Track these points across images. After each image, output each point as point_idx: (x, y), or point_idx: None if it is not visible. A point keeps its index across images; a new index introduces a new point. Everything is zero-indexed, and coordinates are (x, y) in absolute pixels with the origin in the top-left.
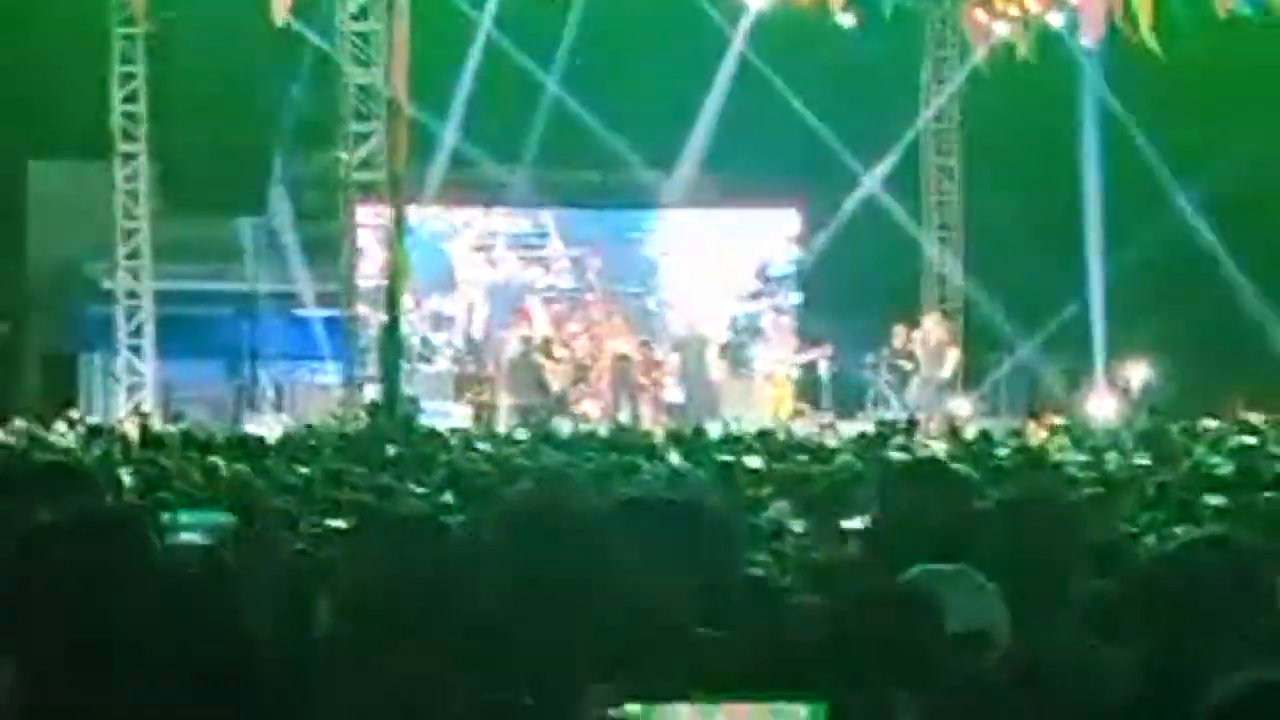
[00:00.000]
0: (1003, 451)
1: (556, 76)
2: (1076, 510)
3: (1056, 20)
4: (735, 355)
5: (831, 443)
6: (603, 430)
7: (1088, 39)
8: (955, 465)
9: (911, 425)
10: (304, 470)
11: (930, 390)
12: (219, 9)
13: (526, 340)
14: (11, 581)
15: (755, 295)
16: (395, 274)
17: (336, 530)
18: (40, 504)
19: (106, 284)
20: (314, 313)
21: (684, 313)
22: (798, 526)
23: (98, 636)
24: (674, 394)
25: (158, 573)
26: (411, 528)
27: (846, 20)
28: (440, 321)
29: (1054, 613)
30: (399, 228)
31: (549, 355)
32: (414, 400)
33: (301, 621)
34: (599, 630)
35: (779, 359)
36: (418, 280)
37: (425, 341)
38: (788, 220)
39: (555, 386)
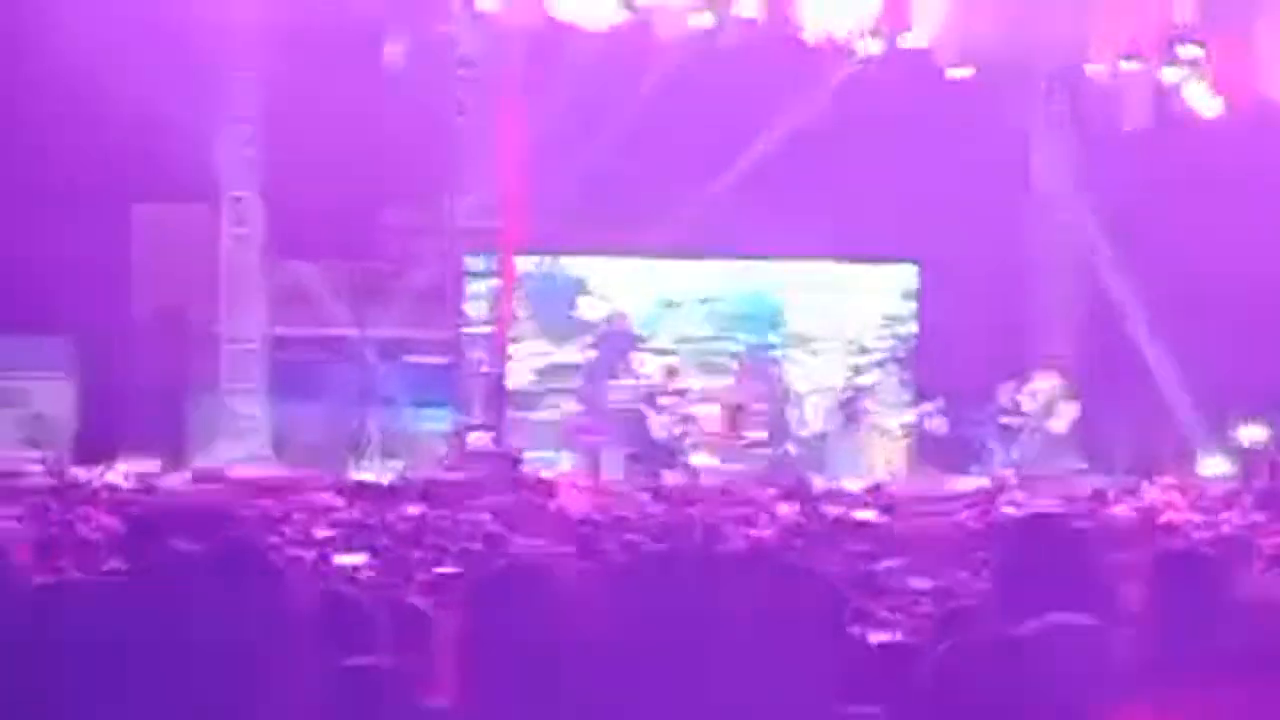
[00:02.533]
0: (1118, 509)
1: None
2: (1213, 564)
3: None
4: (848, 409)
5: (943, 497)
6: (713, 481)
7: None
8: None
9: (1024, 481)
10: (414, 514)
11: (1040, 446)
12: (333, 53)
13: (636, 390)
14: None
15: (868, 349)
16: (504, 321)
17: (447, 576)
18: (182, 540)
19: (216, 329)
20: (424, 359)
21: (799, 365)
22: (918, 582)
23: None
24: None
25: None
26: (520, 575)
27: (956, 73)
28: (550, 370)
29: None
30: (509, 275)
31: (657, 406)
32: (520, 450)
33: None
34: (710, 684)
35: (891, 414)
36: (527, 328)
37: (533, 389)
38: (905, 275)
39: (663, 436)
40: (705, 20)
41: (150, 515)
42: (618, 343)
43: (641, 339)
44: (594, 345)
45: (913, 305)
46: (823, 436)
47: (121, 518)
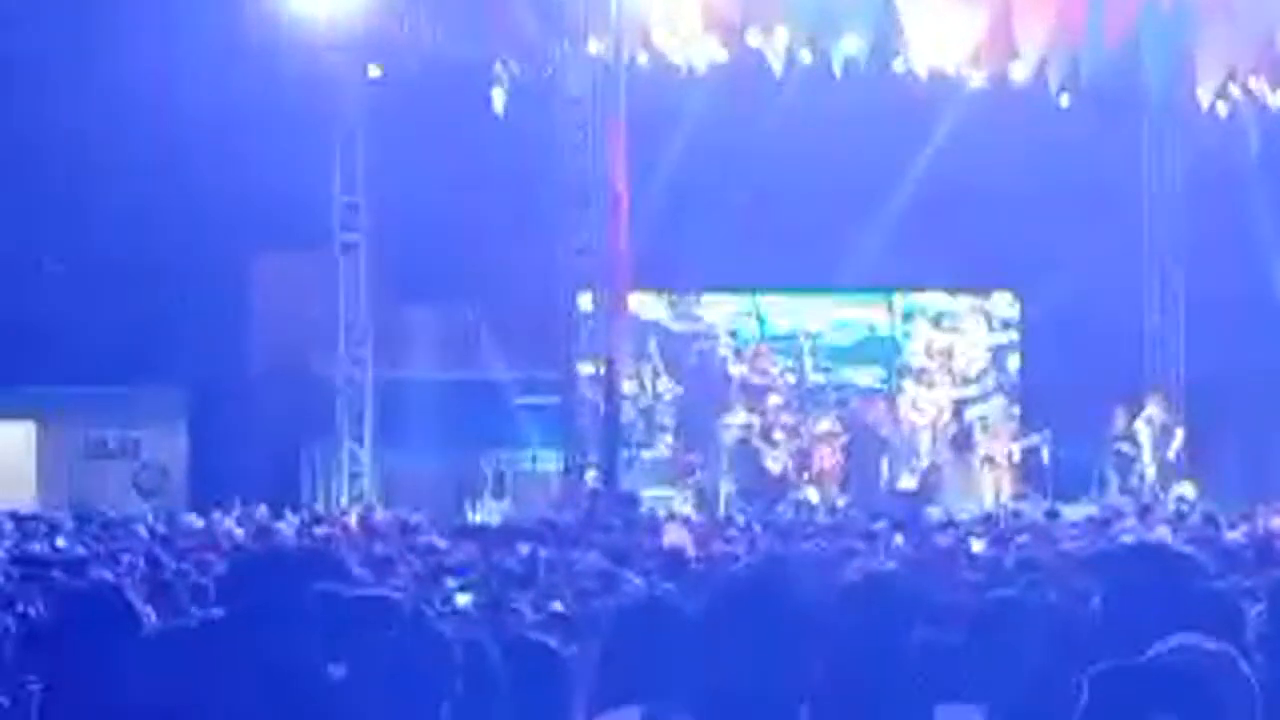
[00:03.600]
0: (1233, 535)
1: (768, 164)
2: None
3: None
4: (958, 440)
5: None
6: (823, 515)
7: None
8: (1182, 548)
9: (1144, 510)
10: (525, 555)
11: (1154, 474)
12: (438, 97)
13: (748, 426)
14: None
15: (974, 380)
16: (612, 360)
17: (559, 615)
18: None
19: (328, 373)
20: (534, 400)
21: (910, 397)
22: None
23: None
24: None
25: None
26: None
27: (1062, 101)
28: (659, 408)
29: None
30: (618, 314)
31: (769, 440)
32: (634, 493)
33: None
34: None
35: (1000, 444)
36: (638, 366)
37: (644, 427)
38: (1006, 304)
39: (776, 471)
40: (808, 57)
41: (258, 560)
42: (712, 378)
43: (754, 372)
44: (688, 381)
45: (1017, 334)
46: (935, 468)
47: (231, 563)
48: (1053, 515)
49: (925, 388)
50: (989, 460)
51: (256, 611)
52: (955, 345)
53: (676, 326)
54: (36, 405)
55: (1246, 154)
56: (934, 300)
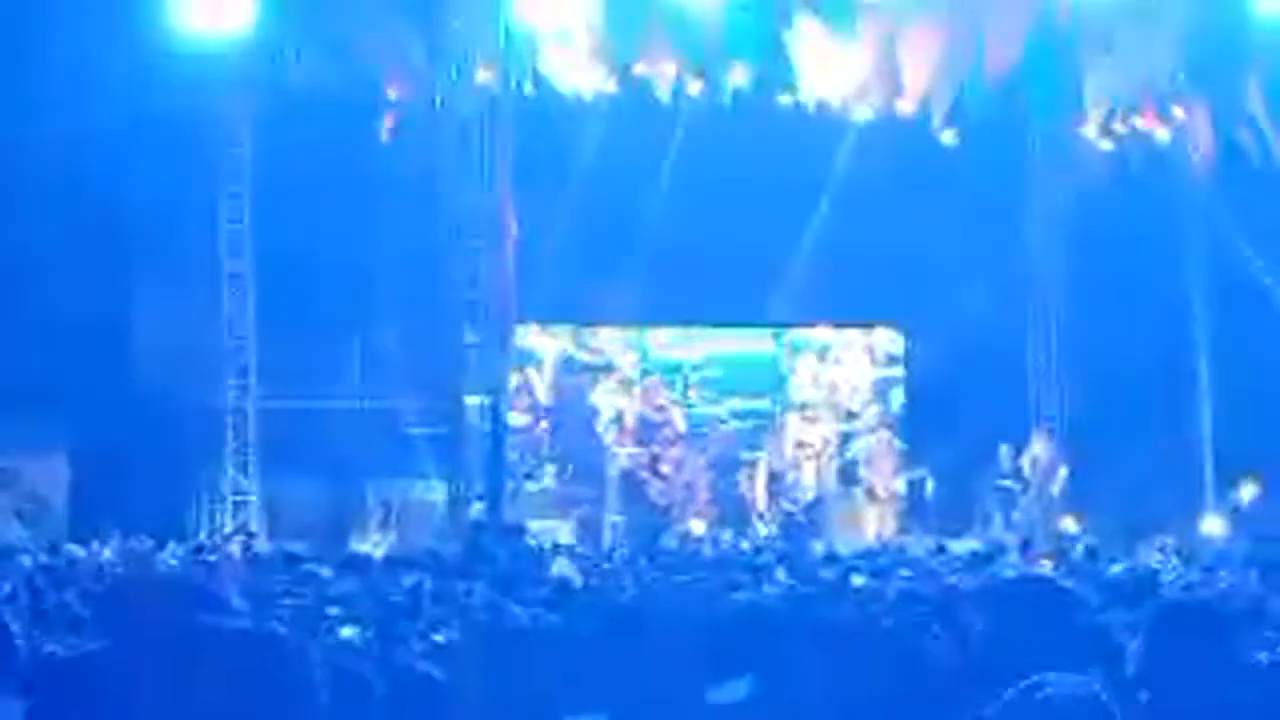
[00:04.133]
0: (1115, 569)
1: (656, 196)
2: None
3: (1165, 136)
4: (843, 474)
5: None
6: (708, 548)
7: (1197, 155)
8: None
9: (1025, 545)
10: (410, 586)
11: (1038, 509)
12: (320, 127)
13: (633, 456)
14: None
15: (858, 414)
16: (498, 392)
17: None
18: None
19: (214, 402)
20: (419, 430)
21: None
22: None
23: None
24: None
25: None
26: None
27: (946, 136)
28: (545, 440)
29: None
30: (504, 346)
31: (656, 472)
32: (520, 523)
33: None
34: None
35: (884, 478)
36: (520, 399)
37: (528, 459)
38: (890, 339)
39: (661, 502)
40: (697, 88)
41: (137, 590)
42: (581, 410)
43: (645, 405)
44: (574, 414)
45: (901, 369)
46: (818, 501)
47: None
48: (939, 550)
49: (809, 422)
50: (872, 494)
51: (133, 642)
52: (839, 379)
53: (575, 357)
54: None
55: (1131, 190)
56: (819, 335)
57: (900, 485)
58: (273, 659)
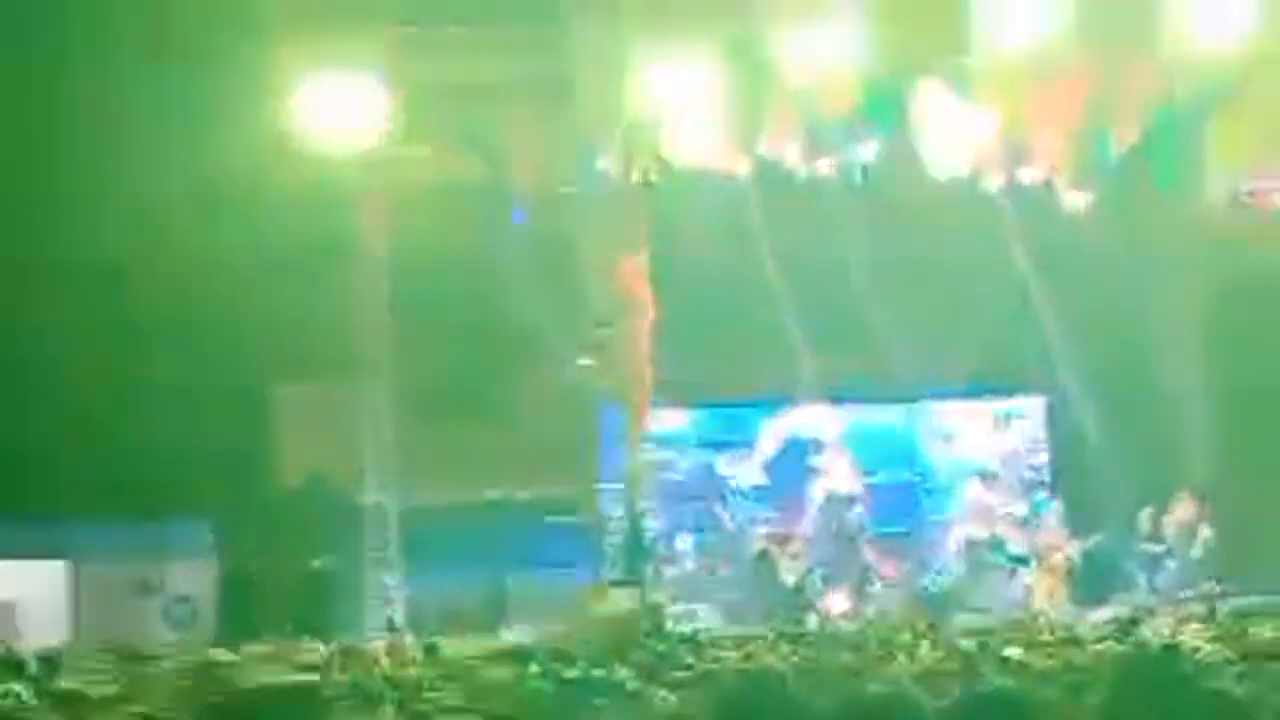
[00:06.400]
0: (1260, 633)
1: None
2: None
3: None
4: (985, 544)
5: (1084, 630)
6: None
7: None
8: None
9: (1172, 609)
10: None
11: (1181, 573)
12: (451, 217)
13: (769, 535)
14: None
15: (1005, 482)
16: (634, 478)
17: None
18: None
19: (356, 500)
20: (560, 518)
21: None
22: None
23: None
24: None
25: None
26: None
27: (1073, 201)
28: (682, 522)
29: None
30: (639, 430)
31: (787, 551)
32: (658, 605)
33: None
34: None
35: (1045, 546)
36: (665, 481)
37: (668, 543)
38: (1034, 408)
39: (790, 580)
40: (826, 166)
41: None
42: (716, 490)
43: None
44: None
45: (1045, 437)
46: (965, 571)
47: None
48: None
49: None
50: (1020, 562)
51: None
52: (983, 449)
53: (709, 437)
54: (66, 543)
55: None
56: (961, 407)
57: (1072, 552)
58: None
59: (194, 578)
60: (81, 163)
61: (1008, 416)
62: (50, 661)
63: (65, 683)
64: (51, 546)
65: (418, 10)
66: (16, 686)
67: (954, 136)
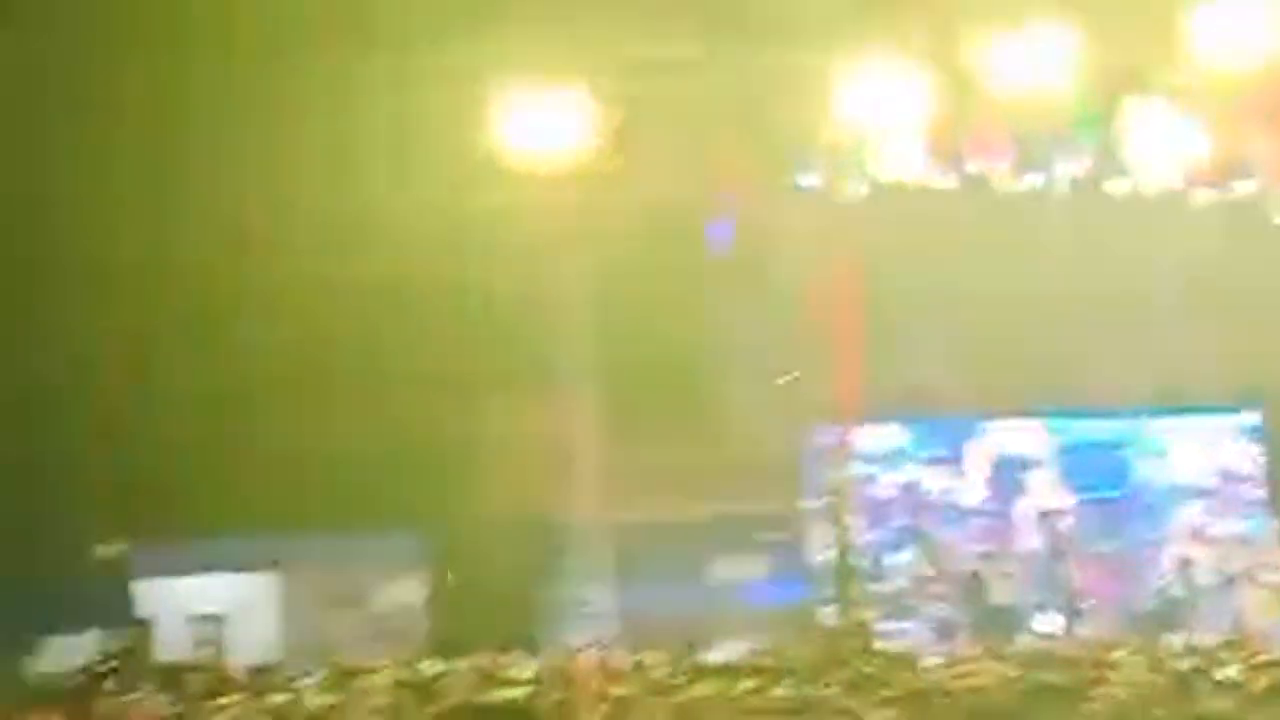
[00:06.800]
0: None
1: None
2: None
3: None
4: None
5: None
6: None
7: None
8: None
9: None
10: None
11: None
12: (654, 237)
13: (980, 554)
14: None
15: (1221, 499)
16: (842, 494)
17: None
18: None
19: (565, 515)
20: (767, 535)
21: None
22: None
23: None
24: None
25: None
26: None
27: None
28: (891, 540)
29: None
30: (847, 445)
31: (998, 569)
32: (866, 622)
33: None
34: None
35: (1261, 565)
36: (872, 498)
37: (876, 560)
38: (1250, 423)
39: (1006, 600)
40: (1035, 180)
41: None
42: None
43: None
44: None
45: (1261, 453)
46: (1179, 590)
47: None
48: None
49: (1163, 506)
50: (1243, 580)
51: None
52: (1192, 463)
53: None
54: (277, 555)
55: None
56: (1169, 421)
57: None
58: None
59: (403, 591)
60: (294, 181)
61: (1223, 433)
62: (262, 673)
63: (278, 696)
64: (261, 559)
65: (622, 30)
66: (230, 700)
67: (1165, 149)
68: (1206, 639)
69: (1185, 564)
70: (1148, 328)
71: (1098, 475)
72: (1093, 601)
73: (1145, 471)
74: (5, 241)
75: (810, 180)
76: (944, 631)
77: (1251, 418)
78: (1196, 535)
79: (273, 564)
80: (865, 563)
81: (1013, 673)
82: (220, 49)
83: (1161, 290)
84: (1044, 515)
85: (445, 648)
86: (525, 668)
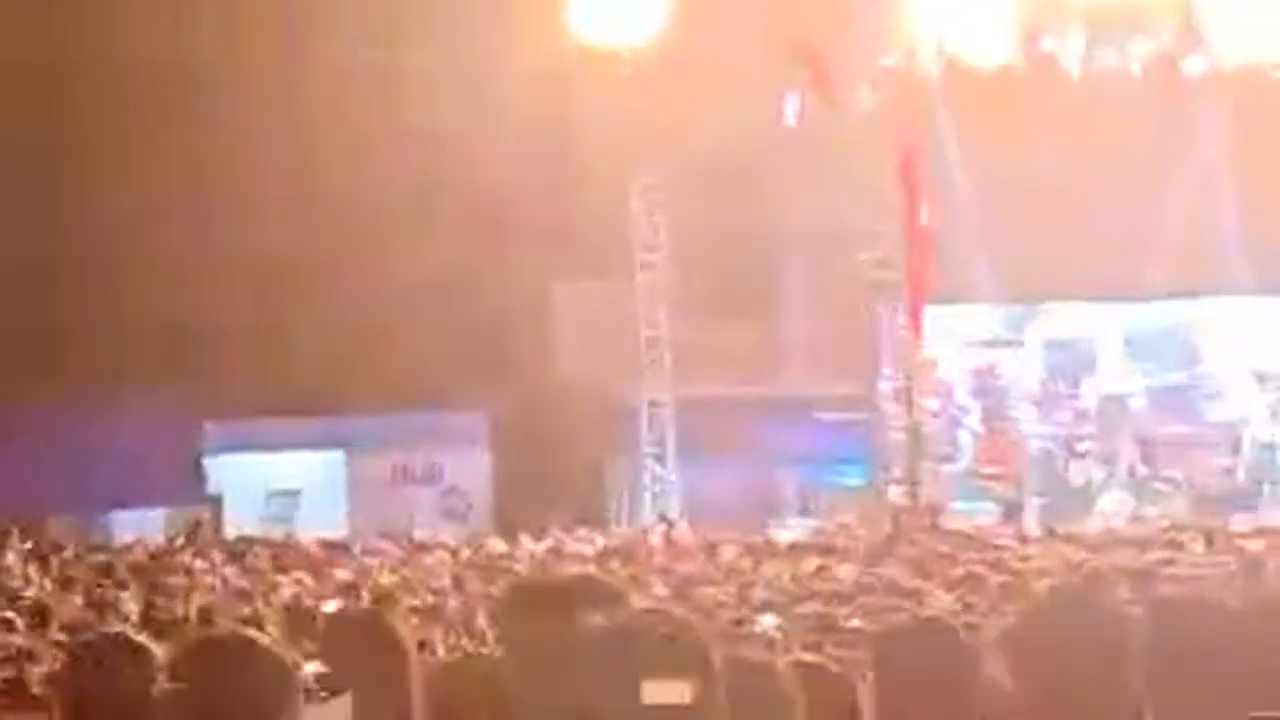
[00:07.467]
0: None
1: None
2: None
3: None
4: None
5: None
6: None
7: None
8: None
9: None
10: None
11: None
12: (727, 117)
13: (1051, 436)
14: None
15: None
16: (913, 376)
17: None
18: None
19: (629, 393)
20: (836, 415)
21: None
22: None
23: None
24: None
25: None
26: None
27: None
28: (960, 421)
29: None
30: (917, 327)
31: (1069, 450)
32: (936, 504)
33: None
34: None
35: None
36: (941, 380)
37: (946, 441)
38: None
39: (1078, 482)
40: (1108, 57)
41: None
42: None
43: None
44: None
45: None
46: (1248, 472)
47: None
48: None
49: (1226, 396)
50: None
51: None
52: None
53: (984, 336)
54: (345, 434)
55: None
56: (1238, 304)
57: None
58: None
59: (470, 469)
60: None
61: None
62: (331, 548)
63: (345, 571)
64: (332, 438)
65: None
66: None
67: (1244, 23)
68: (1277, 520)
69: (1256, 446)
70: (1221, 210)
71: (1166, 358)
72: (1163, 483)
73: (1216, 355)
74: None
75: (887, 59)
76: (1012, 512)
77: None
78: (1266, 418)
79: (343, 442)
80: (934, 444)
81: (1080, 555)
82: None
83: (1234, 172)
84: (1112, 397)
85: (513, 525)
86: (592, 544)
